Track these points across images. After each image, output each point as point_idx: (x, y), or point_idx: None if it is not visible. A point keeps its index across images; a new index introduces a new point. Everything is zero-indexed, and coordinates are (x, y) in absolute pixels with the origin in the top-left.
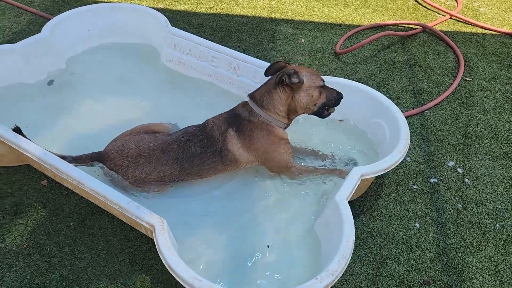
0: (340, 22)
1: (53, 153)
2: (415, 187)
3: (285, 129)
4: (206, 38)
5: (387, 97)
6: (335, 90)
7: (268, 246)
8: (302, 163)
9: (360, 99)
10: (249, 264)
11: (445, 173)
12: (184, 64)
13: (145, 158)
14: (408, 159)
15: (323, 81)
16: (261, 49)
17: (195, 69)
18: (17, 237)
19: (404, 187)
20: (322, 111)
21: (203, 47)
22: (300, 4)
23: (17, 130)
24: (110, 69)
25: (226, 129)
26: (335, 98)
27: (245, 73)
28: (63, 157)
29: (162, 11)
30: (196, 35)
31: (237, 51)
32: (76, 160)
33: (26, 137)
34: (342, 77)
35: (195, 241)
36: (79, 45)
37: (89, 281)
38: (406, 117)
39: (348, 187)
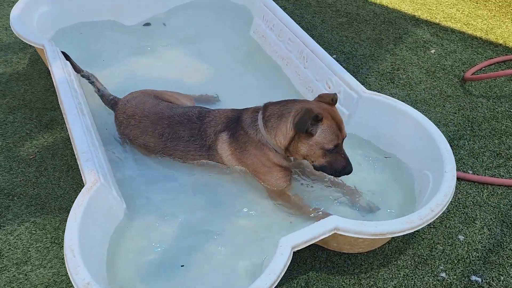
0: (499, 42)
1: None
2: (442, 275)
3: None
4: (323, 21)
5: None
6: (346, 160)
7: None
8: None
9: (417, 137)
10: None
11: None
12: (265, 39)
13: (135, 121)
14: (461, 237)
15: (338, 144)
16: (374, 49)
17: (271, 47)
18: (33, 147)
19: (428, 268)
20: (324, 170)
21: (283, 24)
22: (463, 8)
23: (65, 55)
24: (198, 26)
25: (222, 130)
26: (336, 169)
27: (311, 66)
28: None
29: None
30: (314, 15)
31: (347, 44)
32: (101, 97)
33: (74, 64)
34: (452, 110)
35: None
36: None
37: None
38: (466, 180)
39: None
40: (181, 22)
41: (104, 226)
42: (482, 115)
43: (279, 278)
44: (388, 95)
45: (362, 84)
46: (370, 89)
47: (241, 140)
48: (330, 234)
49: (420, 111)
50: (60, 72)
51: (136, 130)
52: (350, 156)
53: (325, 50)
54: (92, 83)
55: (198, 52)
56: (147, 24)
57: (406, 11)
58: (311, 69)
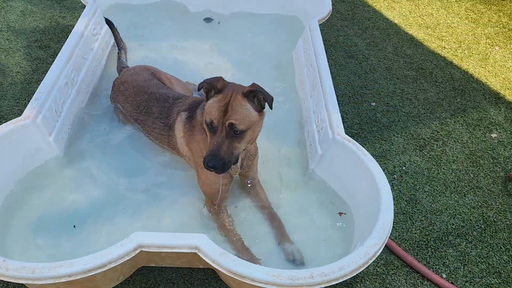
0: None
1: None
2: None
3: None
4: (388, 68)
5: None
6: (212, 147)
7: None
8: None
9: (370, 198)
10: None
11: None
12: (298, 61)
13: (124, 87)
14: None
15: (212, 123)
16: (424, 111)
17: (299, 69)
18: None
19: None
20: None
21: (313, 50)
22: None
23: (109, 22)
24: (250, 33)
25: (183, 110)
26: (206, 156)
27: (315, 96)
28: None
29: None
30: (382, 60)
31: (397, 98)
32: (117, 63)
33: (114, 31)
34: (472, 203)
35: None
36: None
37: None
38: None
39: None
40: (236, 26)
41: (19, 165)
42: (505, 222)
43: (107, 267)
44: (407, 162)
45: (385, 141)
46: (390, 151)
47: (192, 123)
48: (189, 251)
49: (430, 193)
50: (81, 25)
51: (121, 96)
52: (310, 199)
53: (371, 97)
54: (120, 50)
55: (235, 56)
56: (209, 20)
57: (490, 86)
58: (314, 99)
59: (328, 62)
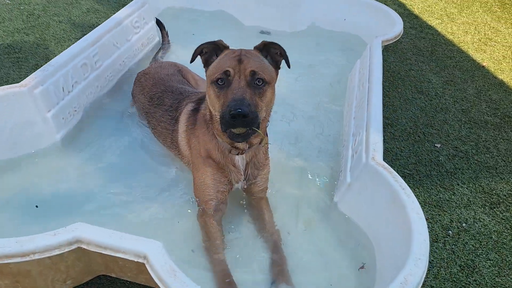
0: None
1: None
2: None
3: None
4: (465, 110)
5: None
6: (234, 96)
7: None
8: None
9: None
10: None
11: None
12: (351, 82)
13: (144, 79)
14: None
15: (228, 72)
16: (499, 164)
17: (350, 91)
18: None
19: None
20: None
21: (368, 70)
22: None
23: (159, 22)
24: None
25: (193, 101)
26: (226, 110)
27: (358, 116)
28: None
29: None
30: (459, 102)
31: (470, 144)
32: (154, 58)
33: (163, 30)
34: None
35: None
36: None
37: None
38: None
39: None
40: (293, 41)
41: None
42: None
43: (29, 257)
44: (470, 218)
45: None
46: (449, 201)
47: (196, 116)
48: (135, 260)
49: (496, 263)
50: (122, 13)
51: (139, 87)
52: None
53: (436, 138)
54: (161, 47)
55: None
56: (266, 33)
57: None
58: (356, 120)
59: (391, 94)
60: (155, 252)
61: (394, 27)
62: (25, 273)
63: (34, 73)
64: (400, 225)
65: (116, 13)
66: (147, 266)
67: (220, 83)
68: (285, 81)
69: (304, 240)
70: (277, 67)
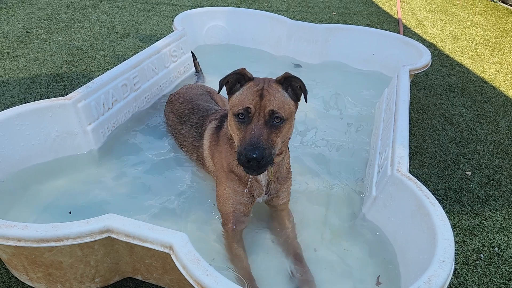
0: None
1: None
2: None
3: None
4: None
5: None
6: (251, 136)
7: None
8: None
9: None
10: None
11: None
12: (379, 108)
13: (174, 98)
14: None
15: (248, 109)
16: None
17: (377, 115)
18: None
19: None
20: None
21: (395, 94)
22: None
23: (193, 54)
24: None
25: (215, 119)
26: (243, 151)
27: (384, 136)
28: None
29: None
30: (491, 138)
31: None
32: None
33: (196, 62)
34: None
35: None
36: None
37: None
38: None
39: None
40: (324, 75)
41: (49, 144)
42: None
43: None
44: (503, 243)
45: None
46: (481, 226)
47: (219, 133)
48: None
49: None
50: (162, 43)
51: (169, 106)
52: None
53: (467, 166)
54: (196, 75)
55: (316, 102)
56: (298, 66)
57: None
58: (383, 140)
59: (421, 125)
60: (180, 242)
61: (421, 58)
62: (57, 265)
63: (78, 88)
64: (425, 232)
65: (156, 42)
66: (172, 256)
67: (241, 117)
68: (312, 107)
69: (330, 255)
70: (297, 99)
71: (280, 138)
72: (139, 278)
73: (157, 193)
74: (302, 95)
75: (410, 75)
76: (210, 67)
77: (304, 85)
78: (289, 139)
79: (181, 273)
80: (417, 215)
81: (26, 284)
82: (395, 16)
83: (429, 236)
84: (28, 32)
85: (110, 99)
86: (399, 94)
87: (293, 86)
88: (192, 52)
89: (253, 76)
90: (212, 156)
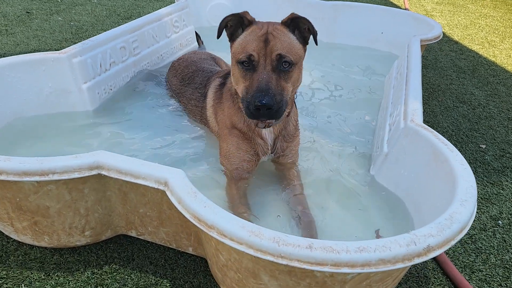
0: None
1: None
2: None
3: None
4: None
5: None
6: (259, 83)
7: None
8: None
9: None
10: None
11: None
12: (388, 80)
13: (178, 63)
14: None
15: (251, 57)
16: None
17: (385, 95)
18: None
19: None
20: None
21: (407, 61)
22: None
23: (197, 33)
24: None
25: (220, 76)
26: (251, 99)
27: (395, 98)
28: None
29: None
30: None
31: None
32: None
33: (198, 36)
34: None
35: None
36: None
37: None
38: None
39: None
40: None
41: (42, 100)
42: None
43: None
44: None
45: None
46: (498, 195)
47: (222, 90)
48: (156, 186)
49: None
50: (163, 11)
51: (172, 71)
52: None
53: (481, 140)
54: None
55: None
56: None
57: None
58: (394, 104)
59: (431, 102)
60: (176, 177)
61: (432, 30)
62: (44, 211)
63: (74, 44)
64: (443, 180)
65: (158, 10)
66: (167, 193)
67: (246, 65)
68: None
69: (339, 215)
70: (305, 42)
71: (290, 84)
72: (133, 234)
73: (155, 154)
74: (312, 37)
75: (421, 46)
76: (214, 47)
77: (312, 26)
78: (299, 84)
79: (178, 223)
80: (433, 164)
81: (11, 239)
82: (402, 7)
83: (447, 183)
84: (28, 12)
85: (108, 60)
86: (410, 60)
87: (300, 28)
88: (195, 32)
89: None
90: (215, 115)
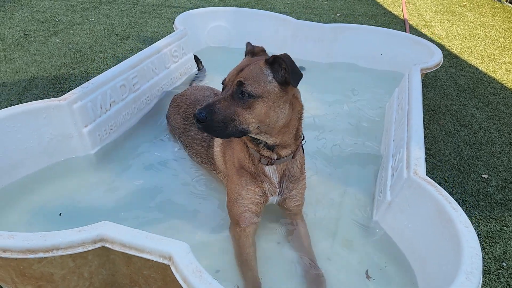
0: None
1: None
2: None
3: (268, 164)
4: None
5: None
6: (223, 103)
7: None
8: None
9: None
10: None
11: None
12: (389, 110)
13: (180, 100)
14: None
15: (225, 81)
16: None
17: (387, 114)
18: None
19: None
20: None
21: (407, 93)
22: None
23: (196, 57)
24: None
25: None
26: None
27: (397, 137)
28: None
29: None
30: None
31: None
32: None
33: (197, 60)
34: None
35: None
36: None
37: None
38: None
39: None
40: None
41: (43, 147)
42: None
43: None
44: None
45: None
46: (501, 232)
47: None
48: (160, 261)
49: None
50: (162, 43)
51: (175, 108)
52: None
53: (483, 169)
54: (197, 75)
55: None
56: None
57: None
58: (396, 142)
59: (432, 127)
60: (181, 253)
61: (433, 56)
62: (48, 277)
63: (74, 89)
64: (448, 240)
65: (157, 42)
66: (172, 268)
67: (223, 88)
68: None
69: (343, 263)
70: (285, 82)
71: (253, 117)
72: None
73: (157, 199)
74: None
75: (421, 74)
76: (213, 69)
77: (290, 65)
78: (273, 123)
79: (182, 286)
80: (437, 221)
81: None
82: (401, 17)
83: (452, 244)
84: (26, 34)
85: (108, 100)
86: (411, 93)
87: (281, 67)
88: (195, 55)
89: (266, 53)
90: (223, 154)
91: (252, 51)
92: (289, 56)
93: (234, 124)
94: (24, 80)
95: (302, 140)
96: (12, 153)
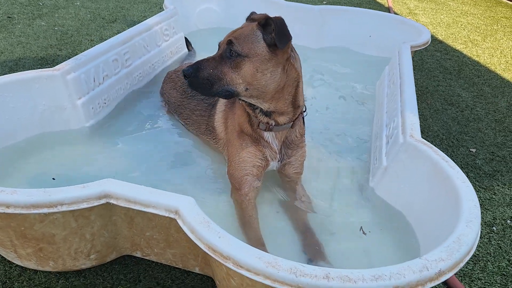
0: None
1: None
2: None
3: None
4: None
5: None
6: (212, 62)
7: None
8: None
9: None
10: None
11: None
12: (380, 87)
13: (175, 75)
14: None
15: (220, 42)
16: None
17: (378, 94)
18: None
19: None
20: None
21: (399, 67)
22: None
23: (186, 39)
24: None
25: None
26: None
27: (390, 108)
28: None
29: None
30: None
31: None
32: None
33: (188, 42)
34: None
35: None
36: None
37: None
38: None
39: None
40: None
41: (36, 118)
42: None
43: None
44: None
45: None
46: (491, 200)
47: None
48: (166, 215)
49: None
50: (152, 20)
51: (170, 83)
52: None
53: (471, 143)
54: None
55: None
56: None
57: None
58: (389, 113)
59: (420, 106)
60: (188, 206)
61: (421, 35)
62: (49, 238)
63: (67, 60)
64: (446, 196)
65: (148, 19)
66: (178, 221)
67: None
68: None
69: (341, 226)
70: (274, 44)
71: (240, 77)
72: (138, 255)
73: (150, 168)
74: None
75: (411, 52)
76: (203, 51)
77: (279, 26)
78: (260, 85)
79: (185, 245)
80: (434, 180)
81: (14, 264)
82: (386, 5)
83: (450, 199)
84: (9, 17)
85: (101, 74)
86: (402, 68)
87: (272, 30)
88: (185, 37)
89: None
90: (225, 120)
91: (253, 18)
92: (282, 18)
93: (221, 83)
94: (10, 60)
95: (304, 111)
96: (5, 123)
